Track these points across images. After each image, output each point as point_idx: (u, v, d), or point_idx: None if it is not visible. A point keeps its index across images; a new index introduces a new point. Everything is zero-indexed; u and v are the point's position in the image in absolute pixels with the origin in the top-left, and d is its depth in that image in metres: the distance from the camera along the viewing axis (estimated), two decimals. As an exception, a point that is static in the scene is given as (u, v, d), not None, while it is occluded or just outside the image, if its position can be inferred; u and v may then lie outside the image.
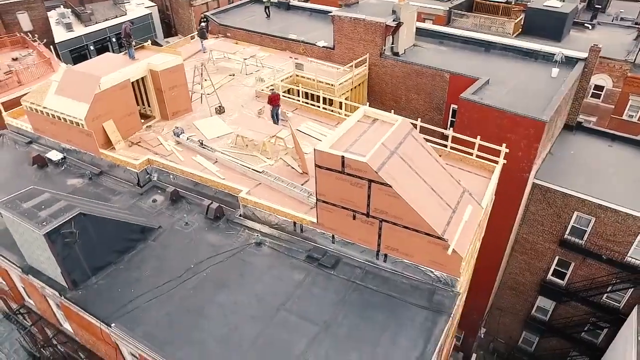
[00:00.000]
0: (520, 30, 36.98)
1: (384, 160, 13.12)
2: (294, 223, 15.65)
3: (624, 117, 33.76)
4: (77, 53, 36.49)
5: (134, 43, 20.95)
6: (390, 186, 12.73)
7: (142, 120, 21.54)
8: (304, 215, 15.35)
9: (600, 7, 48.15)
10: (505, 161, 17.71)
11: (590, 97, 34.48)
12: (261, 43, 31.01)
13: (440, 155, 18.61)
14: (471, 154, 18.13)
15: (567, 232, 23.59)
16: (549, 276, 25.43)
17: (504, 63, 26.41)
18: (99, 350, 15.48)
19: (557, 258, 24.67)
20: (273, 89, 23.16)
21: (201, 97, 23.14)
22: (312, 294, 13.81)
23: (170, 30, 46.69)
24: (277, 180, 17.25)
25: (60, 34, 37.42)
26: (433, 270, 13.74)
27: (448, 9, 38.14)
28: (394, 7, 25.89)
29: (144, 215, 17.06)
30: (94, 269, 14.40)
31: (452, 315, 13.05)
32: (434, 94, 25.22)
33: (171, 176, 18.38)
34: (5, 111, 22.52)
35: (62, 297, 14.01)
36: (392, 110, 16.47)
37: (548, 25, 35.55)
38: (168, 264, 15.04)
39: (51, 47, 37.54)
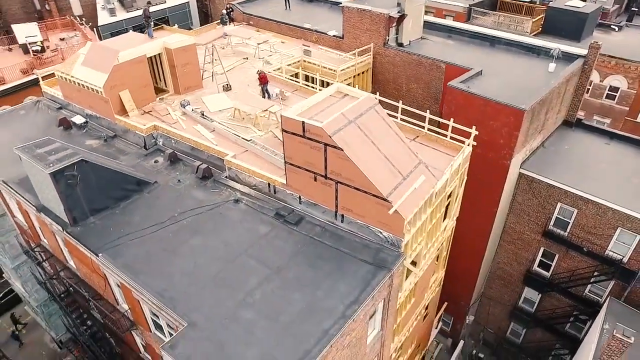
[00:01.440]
0: (539, 29, 37.09)
1: (341, 127, 14.69)
2: (269, 184, 17.49)
3: (639, 119, 33.36)
4: (117, 35, 39.75)
5: (152, 24, 23.35)
6: (342, 150, 14.31)
7: (158, 94, 24.00)
8: (276, 177, 17.14)
9: (637, 9, 47.12)
10: (475, 143, 18.84)
11: (605, 98, 34.26)
12: (279, 31, 33.03)
13: (417, 136, 20.07)
14: (445, 136, 19.32)
15: (552, 223, 24.13)
16: (535, 267, 25.97)
17: (505, 57, 27.12)
18: (93, 283, 17.92)
19: (542, 249, 25.21)
20: (279, 69, 25.12)
21: (212, 75, 25.35)
22: (273, 245, 15.58)
23: (207, 18, 49.44)
24: (262, 148, 19.13)
25: (103, 18, 41.01)
26: (382, 231, 15.18)
27: (468, 6, 38.75)
28: (399, 0, 27.14)
29: (145, 172, 19.38)
30: (92, 210, 16.80)
31: (392, 271, 14.43)
32: (431, 83, 26.34)
33: (173, 141, 20.64)
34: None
35: (64, 232, 16.48)
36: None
37: (568, 25, 35.55)
38: (156, 212, 17.23)
39: (94, 29, 41.17)
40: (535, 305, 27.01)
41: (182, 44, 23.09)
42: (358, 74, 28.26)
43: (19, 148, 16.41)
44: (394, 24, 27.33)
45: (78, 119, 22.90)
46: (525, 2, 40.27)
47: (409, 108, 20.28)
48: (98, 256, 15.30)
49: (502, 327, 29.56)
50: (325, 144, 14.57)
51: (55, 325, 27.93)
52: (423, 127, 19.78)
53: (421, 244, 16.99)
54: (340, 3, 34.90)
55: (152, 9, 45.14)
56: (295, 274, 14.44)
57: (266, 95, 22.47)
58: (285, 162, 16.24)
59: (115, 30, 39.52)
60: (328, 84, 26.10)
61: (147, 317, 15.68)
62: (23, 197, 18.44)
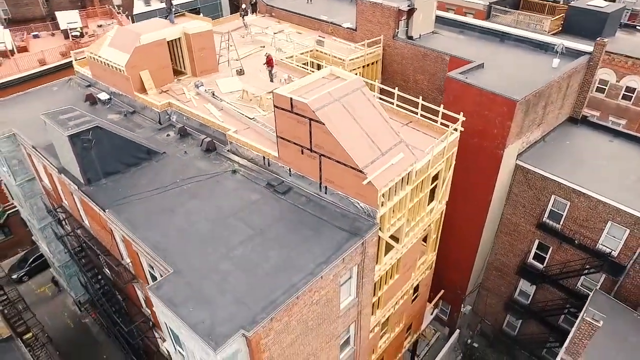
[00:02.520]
0: (559, 28, 37.07)
1: (325, 104, 15.98)
2: (264, 157, 18.97)
3: (655, 121, 33.00)
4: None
5: (173, 10, 25.26)
6: (324, 124, 15.60)
7: (177, 75, 25.91)
8: (271, 151, 18.59)
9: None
10: (462, 129, 19.74)
11: (621, 99, 34.02)
12: (298, 23, 34.53)
13: (410, 122, 21.09)
14: (436, 121, 20.29)
15: (546, 215, 24.58)
16: (530, 259, 26.42)
17: (512, 52, 27.64)
18: (102, 239, 19.91)
19: (537, 241, 25.65)
20: (291, 57, 26.61)
21: (227, 60, 27.08)
22: (260, 210, 17.05)
23: (238, 10, 51.40)
24: (262, 126, 20.63)
25: (138, 7, 43.77)
26: (359, 202, 16.38)
27: (488, 4, 39.09)
28: (410, -6, 28.11)
29: (157, 143, 21.23)
30: (105, 173, 18.76)
31: (364, 238, 15.61)
32: (437, 75, 27.16)
33: (184, 117, 22.45)
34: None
35: (79, 190, 18.49)
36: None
37: (588, 25, 35.38)
38: (161, 178, 19.02)
39: (129, 17, 43.86)
40: (530, 297, 27.43)
41: (200, 30, 24.89)
42: (367, 65, 29.37)
43: (44, 114, 18.52)
44: (404, 17, 28.29)
45: (103, 95, 25.09)
46: (548, 1, 40.20)
47: (404, 95, 21.29)
48: (105, 212, 17.18)
49: (499, 319, 30.04)
50: (310, 119, 15.89)
51: (75, 286, 30.41)
52: (416, 113, 20.81)
53: (401, 220, 18.07)
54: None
55: (183, 0, 47.77)
56: (276, 236, 15.85)
57: (272, 77, 23.98)
58: (277, 136, 17.67)
59: (148, 18, 42.04)
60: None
61: (145, 269, 17.44)
62: (48, 161, 20.64)
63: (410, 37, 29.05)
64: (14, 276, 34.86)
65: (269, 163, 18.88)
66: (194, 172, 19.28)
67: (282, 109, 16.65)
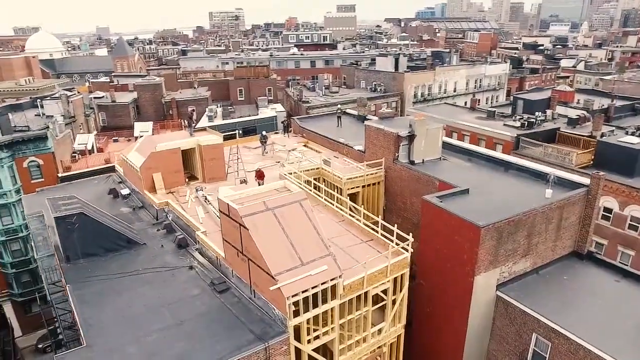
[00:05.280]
0: (590, 162, 36.01)
1: (255, 212, 17.58)
2: (217, 258, 20.53)
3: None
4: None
5: (194, 125, 29.63)
6: (248, 230, 17.05)
7: (191, 180, 29.47)
8: (221, 252, 20.15)
9: None
10: (412, 250, 19.89)
11: (628, 228, 31.29)
12: (321, 143, 37.75)
13: (372, 239, 21.69)
14: (392, 240, 20.67)
15: (529, 356, 22.27)
16: (519, 407, 23.41)
17: (510, 181, 27.48)
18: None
19: (523, 386, 22.95)
20: (292, 174, 29.11)
21: (236, 171, 30.30)
22: (193, 304, 18.27)
23: (288, 128, 56.68)
24: (231, 229, 22.49)
25: (202, 122, 50.66)
26: (274, 308, 16.90)
27: (516, 135, 39.52)
28: (410, 121, 30.05)
29: (146, 236, 23.94)
30: (84, 254, 21.54)
31: (267, 344, 15.86)
32: (427, 198, 27.65)
33: (176, 216, 25.20)
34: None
35: (60, 265, 21.26)
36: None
37: (620, 161, 34.14)
38: (130, 265, 21.30)
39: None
40: None
41: (211, 142, 28.72)
42: (369, 185, 30.76)
43: (49, 198, 22.31)
44: (404, 143, 29.95)
45: (125, 191, 29.15)
46: (583, 136, 39.63)
47: (369, 213, 22.20)
48: (66, 285, 19.53)
49: None
50: (240, 224, 17.47)
51: None
52: (377, 232, 21.46)
53: (330, 335, 17.94)
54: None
55: (244, 119, 54.47)
56: (191, 329, 16.79)
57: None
58: (223, 238, 19.34)
59: (209, 132, 48.86)
60: (340, 190, 29.13)
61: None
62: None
63: (412, 162, 30.34)
64: (40, 346, 37.89)
65: (220, 264, 20.35)
66: (159, 264, 21.30)
67: (224, 213, 18.51)
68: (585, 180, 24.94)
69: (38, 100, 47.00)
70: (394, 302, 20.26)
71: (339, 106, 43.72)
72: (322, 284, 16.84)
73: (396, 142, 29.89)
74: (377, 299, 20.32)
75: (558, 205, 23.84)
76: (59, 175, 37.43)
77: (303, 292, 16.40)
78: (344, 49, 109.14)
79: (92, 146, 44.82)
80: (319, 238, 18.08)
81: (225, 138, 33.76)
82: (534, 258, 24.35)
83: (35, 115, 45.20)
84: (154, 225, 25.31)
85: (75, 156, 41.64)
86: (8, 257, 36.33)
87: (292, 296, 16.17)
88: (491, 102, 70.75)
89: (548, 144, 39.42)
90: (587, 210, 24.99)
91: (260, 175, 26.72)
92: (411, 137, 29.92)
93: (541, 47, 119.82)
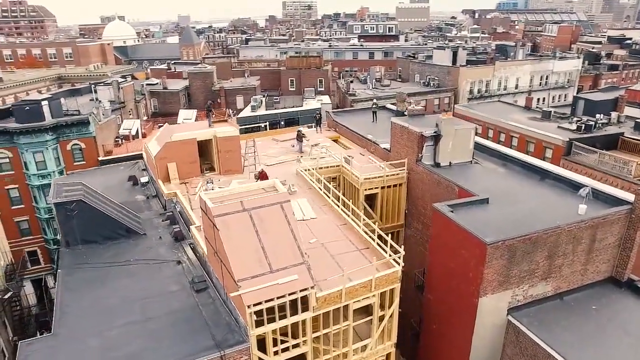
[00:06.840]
0: (653, 175, 31.51)
1: (229, 212, 16.80)
2: (204, 255, 20.07)
3: None
4: (248, 125, 48.73)
5: (212, 116, 29.42)
6: (218, 230, 16.32)
7: (208, 171, 29.39)
8: (205, 249, 19.66)
9: None
10: (403, 264, 18.22)
11: None
12: (351, 138, 36.26)
13: (367, 247, 20.24)
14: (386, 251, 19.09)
15: (539, 393, 19.77)
16: None
17: (542, 192, 24.48)
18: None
19: None
20: (307, 170, 28.13)
21: (254, 165, 29.78)
22: (167, 301, 18.02)
23: (320, 122, 55.20)
24: (226, 225, 21.97)
25: (245, 112, 50.87)
26: (239, 315, 16.09)
27: (568, 139, 35.43)
28: (437, 120, 27.77)
29: (151, 227, 24.10)
30: (82, 240, 22.01)
31: (223, 352, 15.11)
32: (445, 205, 25.43)
33: (182, 207, 25.15)
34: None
35: (59, 250, 21.89)
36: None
37: (688, 176, 29.58)
38: (124, 255, 21.50)
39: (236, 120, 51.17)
40: None
41: (227, 134, 28.38)
42: (389, 186, 28.94)
43: (56, 179, 22.99)
44: (429, 143, 27.78)
45: (144, 179, 29.68)
46: (650, 144, 34.78)
47: (367, 219, 20.71)
48: (58, 271, 20.01)
49: None
50: (213, 224, 16.79)
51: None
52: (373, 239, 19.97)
53: (302, 349, 16.88)
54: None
55: (287, 110, 53.93)
56: (156, 327, 16.53)
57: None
58: (204, 236, 18.80)
59: (248, 122, 48.56)
60: (358, 191, 27.75)
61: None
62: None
63: (437, 164, 28.11)
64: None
65: (205, 261, 19.88)
66: (152, 256, 21.30)
67: (202, 210, 17.93)
68: (630, 197, 21.63)
69: (92, 85, 49.51)
70: (382, 318, 18.72)
71: (374, 100, 41.79)
72: (290, 294, 15.78)
73: (420, 142, 27.80)
74: (371, 311, 18.92)
75: (590, 225, 20.85)
76: (99, 159, 39.07)
77: (267, 301, 15.44)
78: (406, 40, 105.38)
79: (137, 132, 46.46)
80: (295, 244, 16.98)
81: (254, 130, 33.41)
82: (557, 282, 21.57)
83: (90, 100, 47.68)
84: (160, 215, 25.45)
85: (118, 141, 43.35)
86: (51, 233, 38.59)
87: (255, 305, 15.27)
88: (557, 101, 64.84)
89: (606, 150, 35.05)
90: (630, 232, 21.68)
91: (263, 177, 25.85)
92: (436, 137, 27.68)
93: (629, 42, 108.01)
